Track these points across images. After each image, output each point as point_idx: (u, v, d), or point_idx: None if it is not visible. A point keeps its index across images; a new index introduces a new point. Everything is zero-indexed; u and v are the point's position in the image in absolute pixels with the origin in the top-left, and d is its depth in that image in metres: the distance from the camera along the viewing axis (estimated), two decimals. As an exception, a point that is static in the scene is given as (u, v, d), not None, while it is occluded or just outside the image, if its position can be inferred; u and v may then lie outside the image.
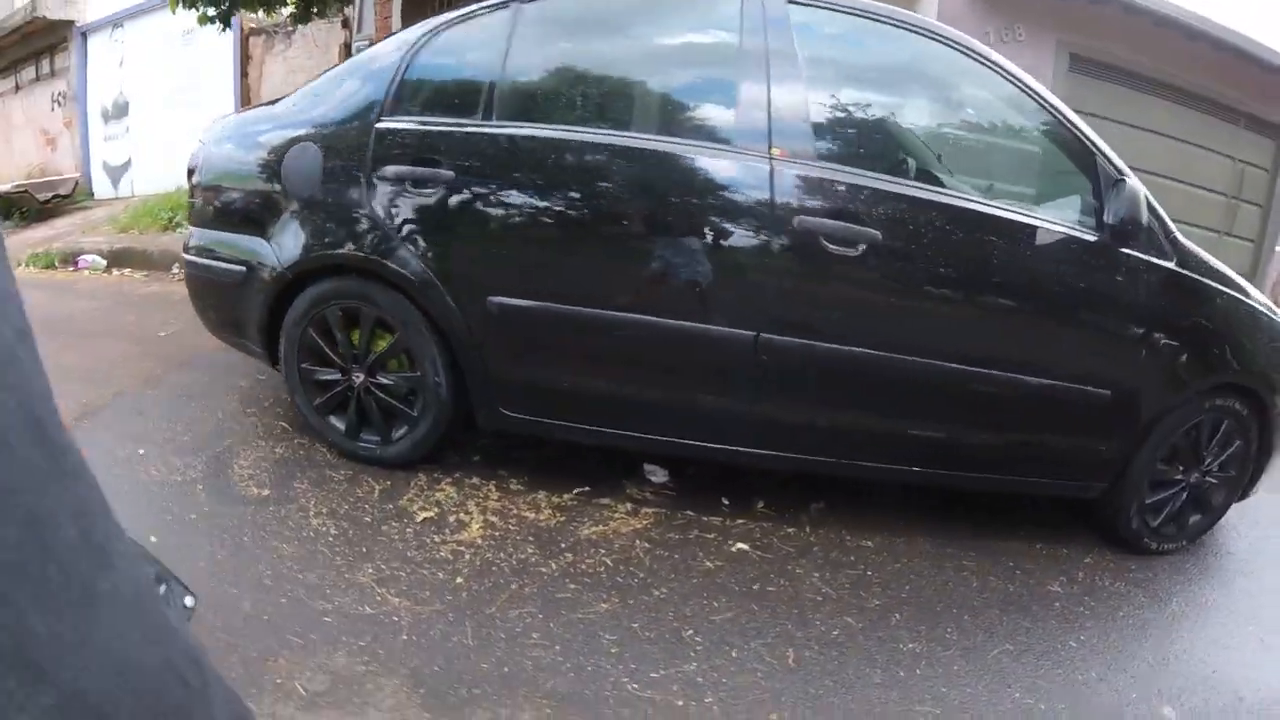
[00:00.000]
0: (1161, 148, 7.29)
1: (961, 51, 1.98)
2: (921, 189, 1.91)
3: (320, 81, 2.12)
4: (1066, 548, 2.30)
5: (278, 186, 1.98)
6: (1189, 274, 2.09)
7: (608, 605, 1.77)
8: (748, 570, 1.95)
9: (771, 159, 1.81)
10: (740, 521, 2.12)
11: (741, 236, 1.83)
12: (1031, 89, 1.99)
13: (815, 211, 1.80)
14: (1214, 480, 2.28)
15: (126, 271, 4.82)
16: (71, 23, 9.60)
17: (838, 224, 1.79)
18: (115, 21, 9.22)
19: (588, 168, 1.88)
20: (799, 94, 1.85)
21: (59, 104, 10.47)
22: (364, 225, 1.94)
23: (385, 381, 2.03)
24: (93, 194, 9.06)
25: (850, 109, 1.97)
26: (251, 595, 1.65)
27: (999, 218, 1.93)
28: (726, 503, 2.19)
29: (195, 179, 2.10)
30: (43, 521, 0.19)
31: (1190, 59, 7.03)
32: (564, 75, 1.99)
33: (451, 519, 1.98)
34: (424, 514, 1.99)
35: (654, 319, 1.88)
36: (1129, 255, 1.99)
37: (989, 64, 1.99)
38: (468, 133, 1.92)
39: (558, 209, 1.90)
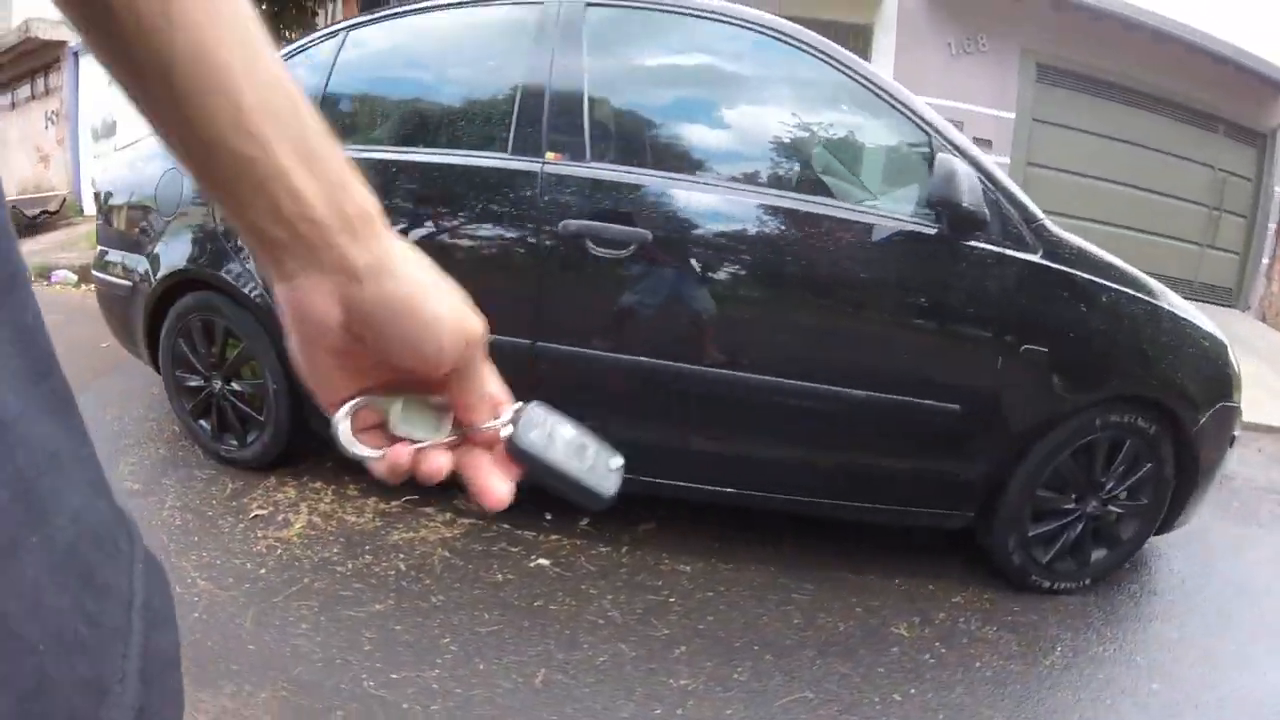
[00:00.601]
0: (1136, 158, 6.86)
1: (772, 36, 1.84)
2: (706, 184, 1.79)
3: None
4: (935, 584, 2.03)
5: (155, 210, 2.24)
6: (1059, 268, 1.80)
7: (381, 606, 1.79)
8: (537, 587, 1.88)
9: (543, 163, 1.79)
10: (554, 538, 2.06)
11: (512, 243, 1.82)
12: (854, 69, 1.82)
13: (580, 214, 1.75)
14: (1120, 510, 1.99)
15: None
16: (64, 43, 9.61)
17: (604, 225, 1.73)
18: (106, 43, 9.61)
19: (393, 187, 1.95)
20: (577, 97, 1.82)
21: (52, 122, 10.58)
22: (211, 245, 2.13)
23: (238, 389, 2.21)
24: (82, 210, 8.98)
25: (638, 108, 1.90)
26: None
27: (806, 212, 1.77)
28: (549, 518, 2.13)
29: (100, 200, 2.42)
30: None
31: (1163, 64, 6.60)
32: (369, 99, 2.10)
33: (280, 517, 2.09)
34: (258, 511, 2.11)
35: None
36: (974, 248, 1.76)
37: (805, 47, 1.83)
38: None
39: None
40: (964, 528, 2.00)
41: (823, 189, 1.84)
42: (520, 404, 0.36)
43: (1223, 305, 7.44)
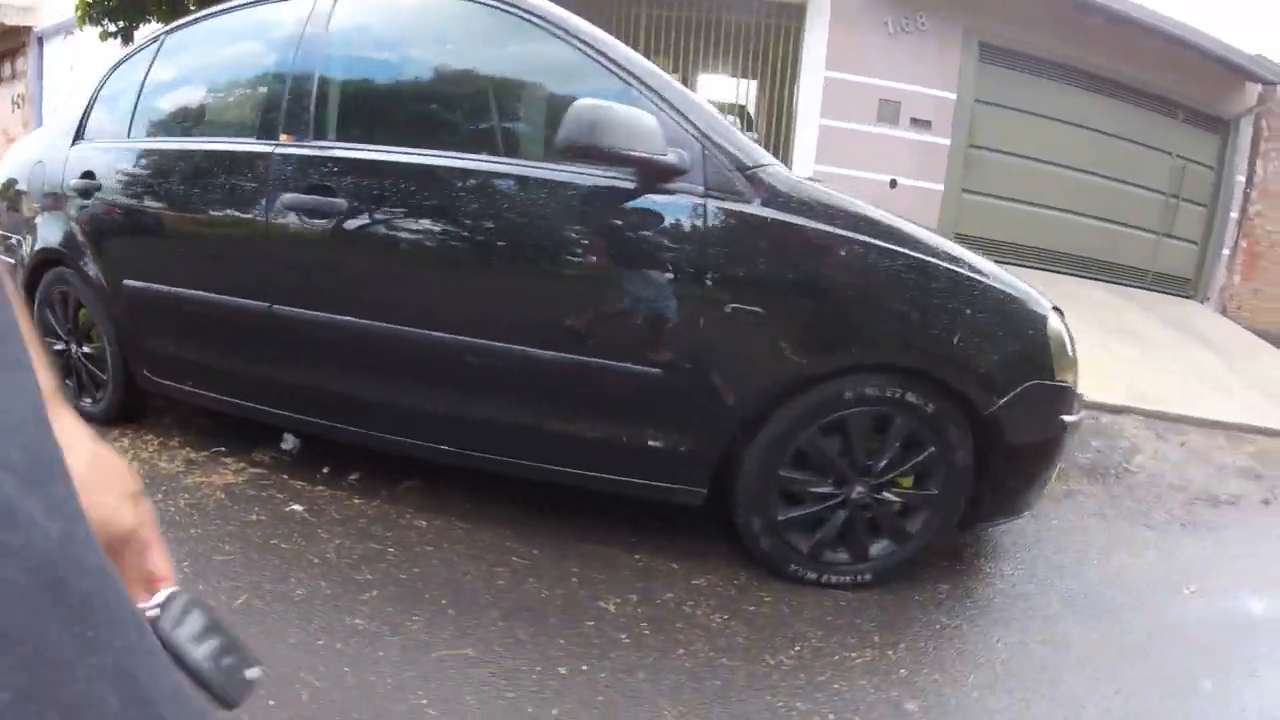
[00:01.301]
0: (1090, 143, 6.48)
1: (490, 6, 1.88)
2: (397, 153, 1.89)
3: (57, 115, 2.74)
4: (684, 562, 1.98)
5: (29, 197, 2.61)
6: (777, 217, 1.67)
7: (146, 540, 2.04)
8: (281, 528, 2.07)
9: (275, 145, 1.99)
10: (320, 488, 2.24)
11: (253, 217, 2.02)
12: (563, 28, 1.82)
13: (295, 188, 1.93)
14: (902, 499, 1.83)
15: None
16: (29, 28, 9.77)
17: (310, 198, 1.90)
18: (67, 28, 8.82)
19: (175, 171, 2.21)
20: (309, 81, 2.00)
21: (18, 106, 10.62)
22: (62, 227, 2.47)
23: (88, 351, 2.54)
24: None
25: (359, 88, 2.05)
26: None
27: (496, 172, 1.81)
28: (325, 471, 2.32)
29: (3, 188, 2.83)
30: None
31: (1120, 48, 6.23)
32: (170, 98, 2.37)
33: (105, 463, 2.40)
34: (92, 458, 2.43)
35: (219, 296, 2.13)
36: (670, 201, 1.69)
37: (521, 13, 1.85)
38: (111, 150, 2.38)
39: (157, 207, 2.26)
40: (694, 506, 1.90)
41: (519, 150, 1.90)
42: (174, 590, 0.36)
43: (1180, 296, 7.00)
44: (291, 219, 1.93)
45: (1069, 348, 1.89)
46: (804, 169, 6.43)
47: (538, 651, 1.62)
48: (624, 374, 1.76)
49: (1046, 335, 1.80)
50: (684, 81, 7.04)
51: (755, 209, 1.68)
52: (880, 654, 1.69)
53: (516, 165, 1.84)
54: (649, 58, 7.13)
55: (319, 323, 1.96)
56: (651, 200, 1.71)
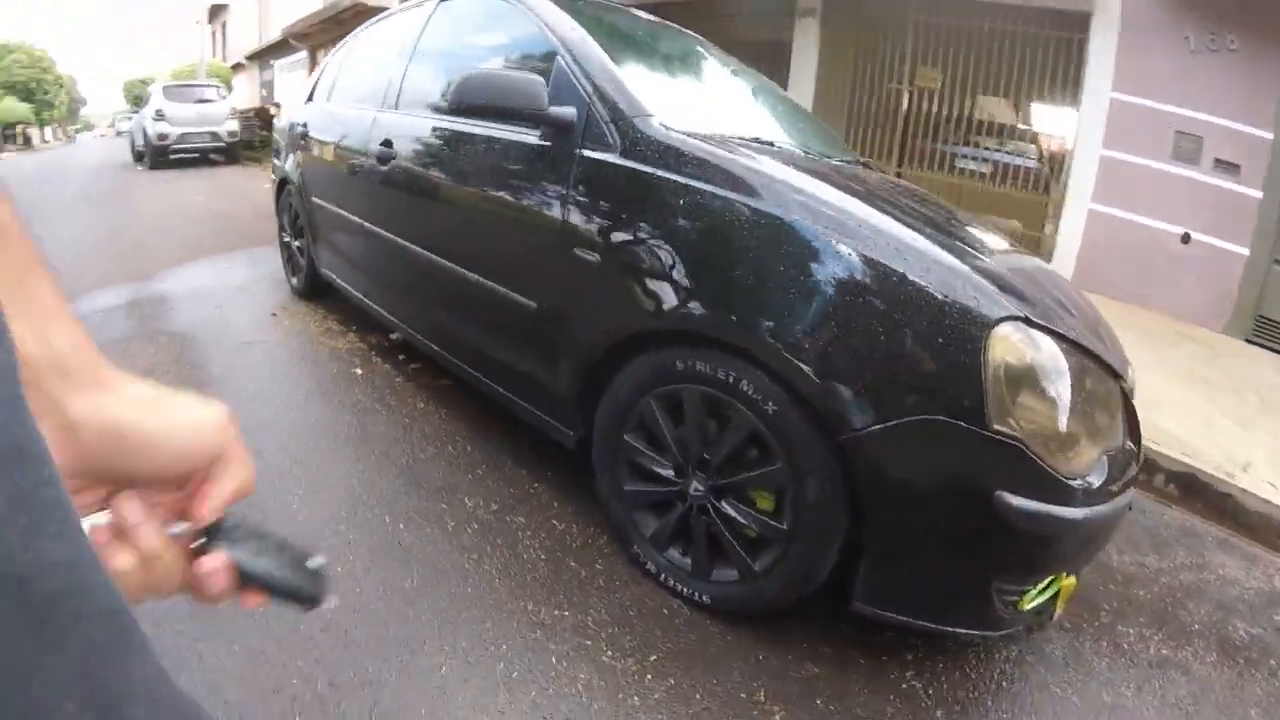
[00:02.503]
0: None
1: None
2: (416, 116, 2.47)
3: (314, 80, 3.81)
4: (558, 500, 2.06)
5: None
6: (626, 165, 1.65)
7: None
8: (343, 379, 2.86)
9: (376, 110, 2.73)
10: (386, 365, 3.02)
11: (361, 160, 2.77)
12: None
13: (376, 140, 2.64)
14: (744, 520, 1.51)
15: None
16: (384, 8, 10.89)
17: (380, 149, 2.60)
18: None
19: (336, 124, 3.08)
20: (402, 69, 2.69)
21: None
22: (288, 158, 3.58)
23: (298, 245, 3.66)
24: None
25: (418, 73, 2.65)
26: None
27: (465, 132, 2.18)
28: (401, 358, 3.08)
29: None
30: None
31: None
32: (345, 77, 3.26)
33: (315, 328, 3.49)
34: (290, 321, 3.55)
35: (345, 213, 2.97)
36: (559, 152, 1.82)
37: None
38: (313, 109, 3.39)
39: (327, 147, 3.16)
40: (567, 446, 1.92)
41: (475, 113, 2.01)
42: (223, 517, 0.36)
43: None
44: (374, 162, 2.63)
45: (1044, 387, 1.25)
46: (1078, 209, 5.67)
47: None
48: (513, 303, 1.94)
49: (981, 355, 1.21)
50: (958, 97, 6.64)
51: (612, 158, 1.69)
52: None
53: (471, 124, 2.16)
54: (917, 67, 6.64)
55: (380, 237, 2.66)
56: (541, 148, 1.87)
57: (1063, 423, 1.25)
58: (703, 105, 2.19)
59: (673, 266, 1.53)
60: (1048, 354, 1.25)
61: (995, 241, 1.81)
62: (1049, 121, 7.89)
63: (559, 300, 1.82)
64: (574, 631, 1.56)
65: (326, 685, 1.36)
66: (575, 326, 1.77)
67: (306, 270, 3.58)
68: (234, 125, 12.67)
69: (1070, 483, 1.25)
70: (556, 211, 1.80)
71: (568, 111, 1.81)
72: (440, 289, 2.33)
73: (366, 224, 2.73)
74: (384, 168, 2.53)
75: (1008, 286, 1.32)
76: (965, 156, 7.21)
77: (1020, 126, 7.84)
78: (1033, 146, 7.38)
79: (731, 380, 1.45)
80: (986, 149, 7.13)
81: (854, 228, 1.37)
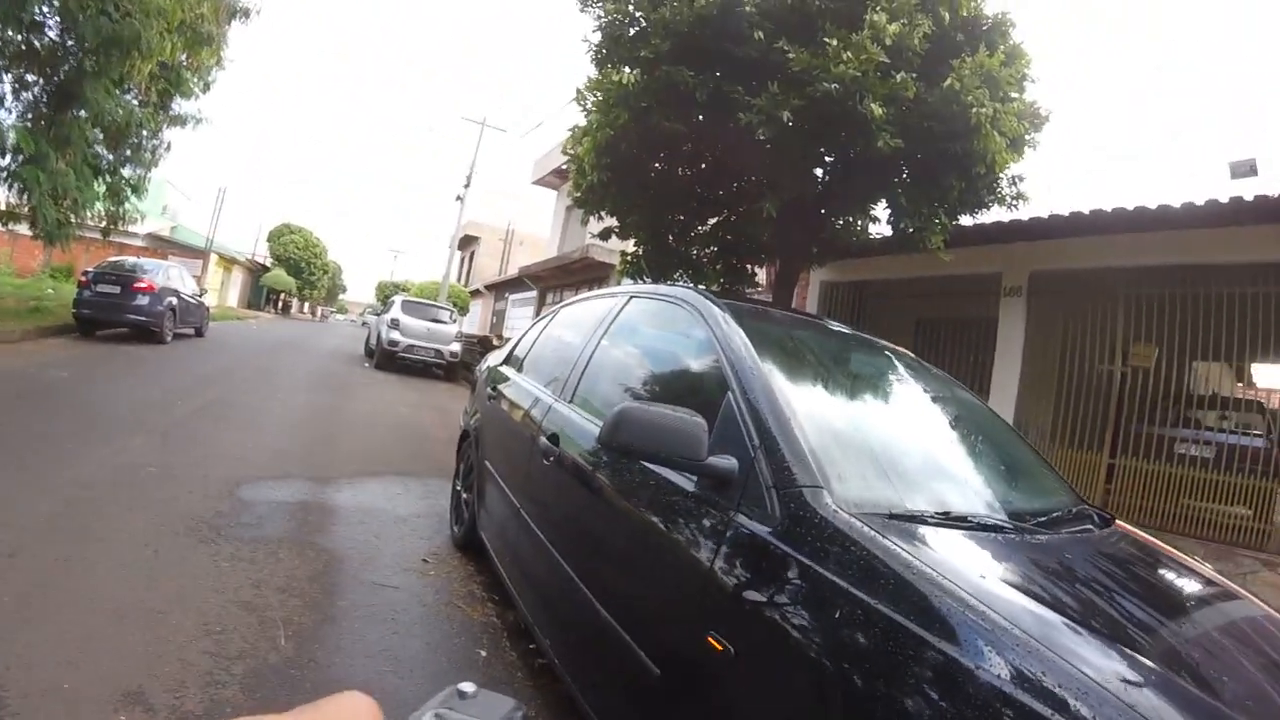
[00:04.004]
0: None
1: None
2: (585, 419, 2.38)
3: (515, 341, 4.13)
4: None
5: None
6: (786, 552, 1.42)
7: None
8: (466, 656, 2.70)
9: (553, 400, 2.83)
10: (514, 656, 2.82)
11: (529, 446, 2.86)
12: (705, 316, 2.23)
13: (545, 433, 2.70)
14: None
15: None
16: (612, 265, 12.71)
17: (546, 443, 2.64)
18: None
19: (512, 399, 3.26)
20: (586, 358, 2.80)
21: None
22: (475, 416, 3.81)
23: (465, 496, 3.76)
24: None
25: (606, 370, 2.71)
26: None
27: None
28: (531, 647, 2.89)
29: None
30: None
31: None
32: (548, 352, 3.47)
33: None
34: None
35: (507, 489, 3.03)
36: (713, 510, 1.67)
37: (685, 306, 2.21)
38: (505, 375, 3.63)
39: (504, 419, 3.32)
40: None
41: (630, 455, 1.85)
42: None
43: None
44: (540, 452, 2.61)
45: None
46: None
47: None
48: (636, 660, 1.69)
49: None
50: (1174, 370, 6.13)
51: (766, 533, 1.45)
52: None
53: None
54: (1130, 342, 6.64)
55: (529, 529, 2.59)
56: (694, 498, 1.69)
57: None
58: (891, 458, 1.90)
59: (820, 697, 1.22)
60: None
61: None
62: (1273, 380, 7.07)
63: (684, 681, 1.54)
64: None
65: None
66: (698, 717, 1.48)
67: (467, 524, 3.64)
68: (457, 347, 14.50)
69: None
70: (698, 582, 1.55)
71: (727, 464, 1.63)
72: (572, 609, 2.12)
73: (520, 509, 2.71)
74: (546, 462, 2.53)
75: None
76: (1185, 440, 6.53)
77: (1243, 397, 6.99)
78: (1259, 418, 6.64)
79: None
80: (1208, 429, 6.46)
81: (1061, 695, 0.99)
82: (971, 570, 1.29)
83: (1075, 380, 7.07)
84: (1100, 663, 1.06)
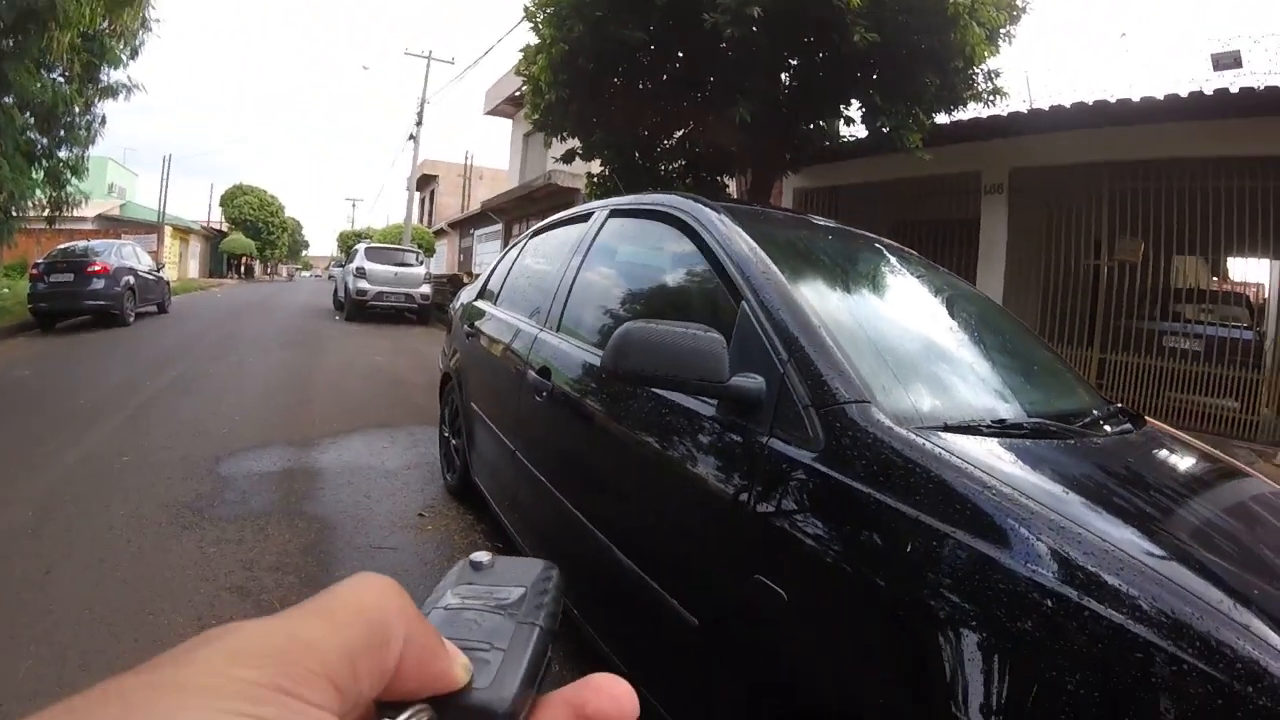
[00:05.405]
0: None
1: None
2: (576, 346, 2.19)
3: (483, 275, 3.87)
4: None
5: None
6: (838, 479, 1.32)
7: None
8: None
9: (538, 331, 2.60)
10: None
11: (516, 383, 2.65)
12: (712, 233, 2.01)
13: (537, 367, 2.48)
14: None
15: None
16: (576, 190, 11.91)
17: (537, 377, 2.42)
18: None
19: (488, 333, 3.03)
20: (569, 282, 2.54)
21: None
22: (454, 358, 3.57)
23: (455, 442, 3.57)
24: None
25: (593, 293, 2.47)
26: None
27: None
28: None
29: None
30: None
31: None
32: (525, 282, 3.21)
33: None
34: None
35: (495, 428, 2.83)
36: (739, 438, 1.44)
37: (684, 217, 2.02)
38: (482, 311, 3.37)
39: (484, 356, 3.09)
40: None
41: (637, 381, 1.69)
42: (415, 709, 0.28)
43: None
44: (530, 389, 2.40)
45: None
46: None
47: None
48: (670, 610, 1.55)
49: None
50: (1159, 266, 6.07)
51: (809, 458, 1.28)
52: None
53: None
54: (1115, 237, 6.59)
55: (530, 474, 2.39)
56: (716, 427, 1.51)
57: None
58: (929, 364, 1.71)
59: (895, 645, 1.06)
60: None
61: None
62: (1248, 274, 7.33)
63: (731, 631, 1.37)
64: None
65: None
66: (745, 667, 1.33)
67: (460, 471, 3.45)
68: (427, 289, 14.02)
69: None
70: (732, 520, 1.38)
71: (754, 384, 1.42)
72: (589, 557, 1.92)
73: (517, 453, 2.51)
74: (538, 399, 2.32)
75: None
76: (1172, 334, 6.56)
77: (1230, 290, 7.04)
78: (1242, 310, 6.76)
79: None
80: (1197, 324, 6.49)
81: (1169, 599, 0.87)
82: (1054, 486, 1.14)
83: (1061, 277, 6.98)
84: (1222, 593, 0.90)
